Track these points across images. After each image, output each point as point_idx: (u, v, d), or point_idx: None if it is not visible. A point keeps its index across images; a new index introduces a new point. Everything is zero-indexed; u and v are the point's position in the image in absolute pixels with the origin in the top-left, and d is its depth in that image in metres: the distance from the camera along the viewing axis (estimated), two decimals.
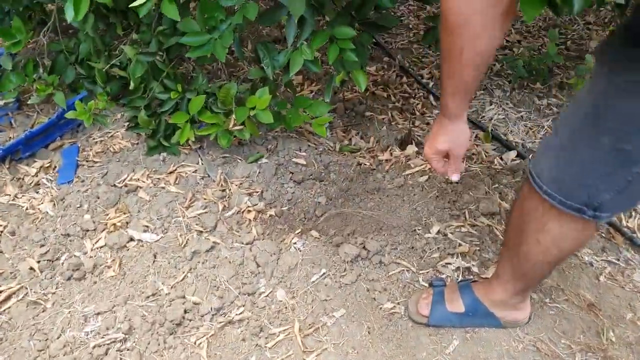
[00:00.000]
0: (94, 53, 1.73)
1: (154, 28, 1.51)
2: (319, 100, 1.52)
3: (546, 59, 2.12)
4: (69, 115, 1.54)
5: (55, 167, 1.69)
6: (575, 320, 1.24)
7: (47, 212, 1.51)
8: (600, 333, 1.21)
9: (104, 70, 1.70)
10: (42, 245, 1.41)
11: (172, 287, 1.31)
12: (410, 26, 2.67)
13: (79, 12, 1.28)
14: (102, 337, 1.19)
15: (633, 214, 1.52)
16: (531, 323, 1.22)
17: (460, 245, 1.41)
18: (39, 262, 1.36)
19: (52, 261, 1.37)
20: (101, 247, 1.41)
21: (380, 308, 1.27)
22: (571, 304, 1.27)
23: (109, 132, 1.82)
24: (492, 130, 1.86)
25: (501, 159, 1.74)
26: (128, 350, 1.18)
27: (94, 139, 1.79)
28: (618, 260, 1.39)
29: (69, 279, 1.33)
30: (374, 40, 2.46)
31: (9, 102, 1.92)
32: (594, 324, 1.23)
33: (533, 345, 1.18)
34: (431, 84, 2.16)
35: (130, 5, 1.21)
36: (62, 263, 1.36)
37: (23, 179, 1.65)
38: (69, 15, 1.28)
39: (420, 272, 1.36)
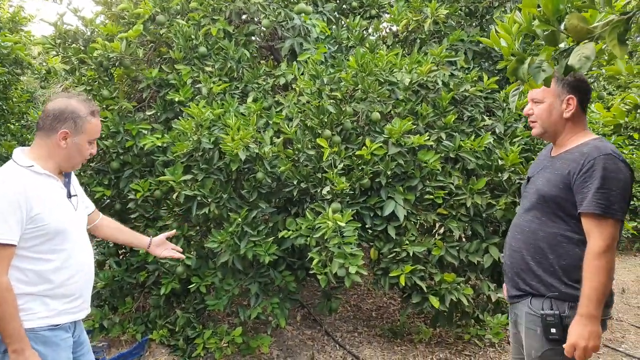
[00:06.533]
0: (159, 316, 3.49)
1: (192, 301, 3.32)
2: (265, 335, 3.20)
3: (403, 326, 3.84)
4: (152, 336, 3.21)
5: None
6: None
7: None
8: None
9: (163, 323, 3.43)
10: None
11: None
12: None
13: (166, 289, 3.11)
14: None
15: None
16: None
17: None
18: None
19: None
20: None
21: None
22: None
23: (156, 357, 3.39)
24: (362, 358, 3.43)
25: None
26: None
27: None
28: None
29: None
30: (313, 317, 4.22)
31: (104, 343, 3.56)
32: None
33: None
34: (339, 339, 3.81)
35: (190, 288, 3.06)
36: None
37: None
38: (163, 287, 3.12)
39: None
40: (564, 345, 1.68)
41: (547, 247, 1.80)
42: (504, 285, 2.07)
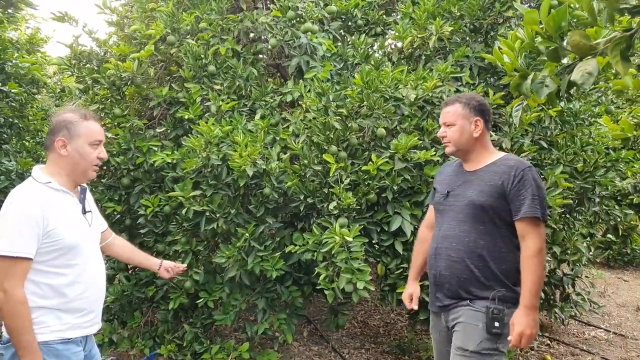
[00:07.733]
0: (167, 331, 3.51)
1: (200, 316, 3.34)
2: (272, 351, 3.20)
3: (411, 342, 3.81)
4: (160, 351, 3.22)
5: None
6: None
7: None
8: None
9: (171, 338, 3.44)
10: None
11: None
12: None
13: (174, 304, 3.13)
14: None
15: None
16: None
17: None
18: None
19: None
20: None
21: None
22: None
23: None
24: None
25: None
26: None
27: None
28: None
29: None
30: (319, 333, 4.21)
31: (113, 357, 3.58)
32: None
33: None
34: (347, 356, 3.79)
35: (198, 303, 3.08)
36: None
37: None
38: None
39: None
40: (509, 338, 1.86)
41: (488, 254, 1.95)
42: (409, 292, 2.28)
